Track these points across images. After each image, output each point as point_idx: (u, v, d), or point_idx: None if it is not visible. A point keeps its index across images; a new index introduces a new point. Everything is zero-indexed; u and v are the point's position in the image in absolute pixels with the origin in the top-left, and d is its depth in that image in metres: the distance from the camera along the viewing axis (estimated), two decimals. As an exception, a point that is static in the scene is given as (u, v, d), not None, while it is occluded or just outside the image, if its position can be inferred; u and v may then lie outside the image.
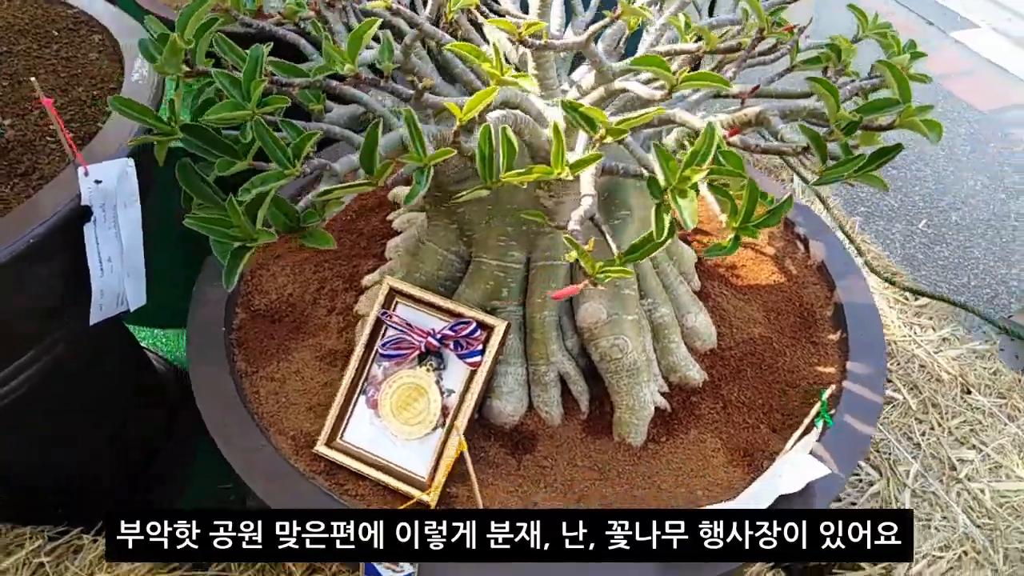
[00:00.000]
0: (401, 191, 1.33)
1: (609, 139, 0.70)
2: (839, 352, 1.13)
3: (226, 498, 1.33)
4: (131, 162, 1.10)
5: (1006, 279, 2.02)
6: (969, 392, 1.46)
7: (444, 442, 0.94)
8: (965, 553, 1.21)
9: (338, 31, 0.91)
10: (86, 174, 1.04)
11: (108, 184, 1.07)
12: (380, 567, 0.85)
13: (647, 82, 0.85)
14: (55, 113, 1.01)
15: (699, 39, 0.79)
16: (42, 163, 1.07)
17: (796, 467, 0.88)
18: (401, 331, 0.97)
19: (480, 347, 0.95)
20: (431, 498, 0.92)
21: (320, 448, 0.97)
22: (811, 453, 0.91)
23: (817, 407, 0.87)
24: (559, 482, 0.97)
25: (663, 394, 1.04)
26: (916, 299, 1.69)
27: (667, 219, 0.66)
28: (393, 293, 1.00)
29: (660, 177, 0.66)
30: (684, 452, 1.00)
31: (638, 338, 0.99)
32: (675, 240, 1.10)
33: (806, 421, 0.90)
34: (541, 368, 1.00)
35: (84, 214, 1.07)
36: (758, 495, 0.89)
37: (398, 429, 0.96)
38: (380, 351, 0.97)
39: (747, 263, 1.27)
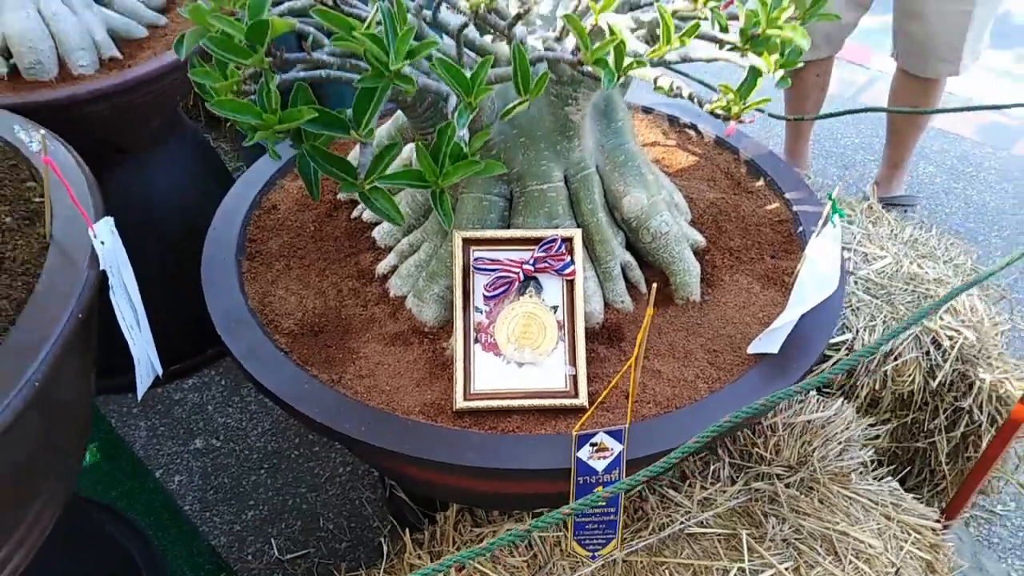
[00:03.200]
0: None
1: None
2: (773, 191, 1.40)
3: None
4: (111, 220, 1.01)
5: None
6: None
7: (572, 350, 1.03)
8: (884, 319, 1.57)
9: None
10: (95, 235, 0.95)
11: (109, 244, 0.98)
12: (587, 455, 0.92)
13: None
14: (58, 173, 0.91)
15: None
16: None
17: (828, 258, 1.11)
18: (496, 270, 1.03)
19: (569, 258, 1.05)
20: (582, 400, 1.01)
21: (461, 404, 1.00)
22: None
23: (829, 206, 1.11)
24: (664, 350, 1.10)
25: (688, 259, 1.22)
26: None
27: (771, 58, 0.84)
28: (467, 243, 1.05)
29: (743, 23, 0.83)
30: (731, 293, 1.19)
31: (671, 213, 1.16)
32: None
33: (821, 222, 1.14)
34: (609, 264, 1.12)
35: (102, 282, 0.97)
36: (804, 297, 1.11)
37: (526, 356, 1.02)
38: (485, 294, 1.02)
39: (663, 155, 1.50)
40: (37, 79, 1.54)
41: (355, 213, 1.33)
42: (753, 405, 0.70)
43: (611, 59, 0.78)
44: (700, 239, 1.25)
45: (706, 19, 0.84)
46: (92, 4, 1.64)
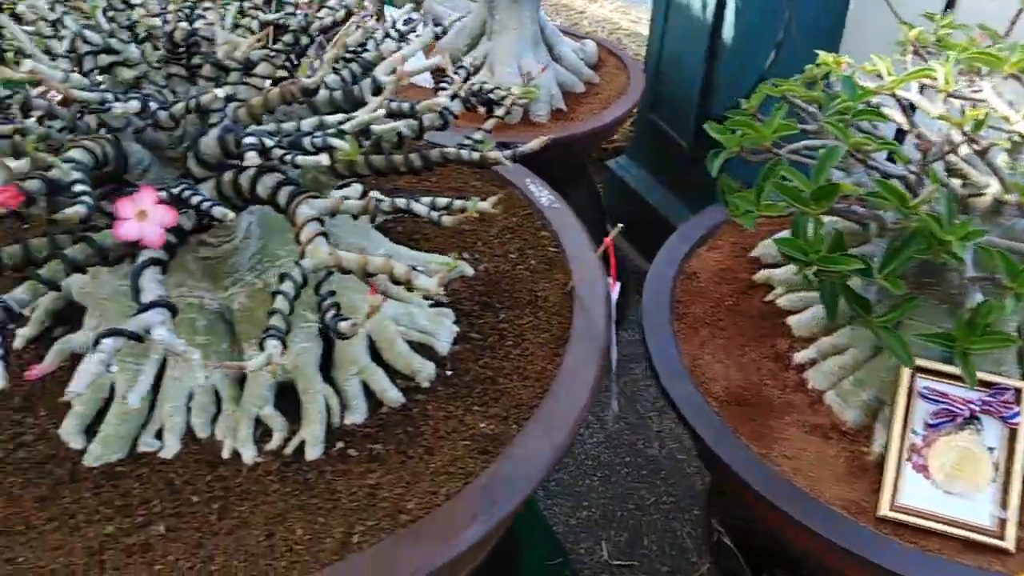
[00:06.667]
0: (775, 274, 1.49)
1: None
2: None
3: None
4: (619, 285, 1.23)
5: None
6: None
7: (1004, 493, 1.10)
8: None
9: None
10: (615, 295, 1.18)
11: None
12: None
13: None
14: (612, 254, 1.14)
15: None
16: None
17: None
18: (942, 403, 1.12)
19: (1016, 408, 1.11)
20: (1009, 544, 1.07)
21: (885, 512, 1.11)
22: None
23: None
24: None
25: None
26: None
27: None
28: (916, 370, 1.15)
29: None
30: None
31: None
32: None
33: None
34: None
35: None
36: None
37: (956, 487, 1.11)
38: (928, 421, 1.12)
39: None
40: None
41: (769, 297, 1.48)
42: None
43: None
44: None
45: None
46: (552, 62, 1.94)
